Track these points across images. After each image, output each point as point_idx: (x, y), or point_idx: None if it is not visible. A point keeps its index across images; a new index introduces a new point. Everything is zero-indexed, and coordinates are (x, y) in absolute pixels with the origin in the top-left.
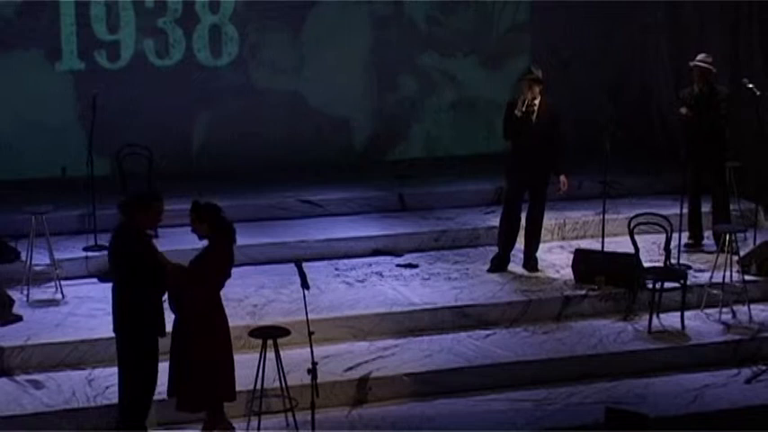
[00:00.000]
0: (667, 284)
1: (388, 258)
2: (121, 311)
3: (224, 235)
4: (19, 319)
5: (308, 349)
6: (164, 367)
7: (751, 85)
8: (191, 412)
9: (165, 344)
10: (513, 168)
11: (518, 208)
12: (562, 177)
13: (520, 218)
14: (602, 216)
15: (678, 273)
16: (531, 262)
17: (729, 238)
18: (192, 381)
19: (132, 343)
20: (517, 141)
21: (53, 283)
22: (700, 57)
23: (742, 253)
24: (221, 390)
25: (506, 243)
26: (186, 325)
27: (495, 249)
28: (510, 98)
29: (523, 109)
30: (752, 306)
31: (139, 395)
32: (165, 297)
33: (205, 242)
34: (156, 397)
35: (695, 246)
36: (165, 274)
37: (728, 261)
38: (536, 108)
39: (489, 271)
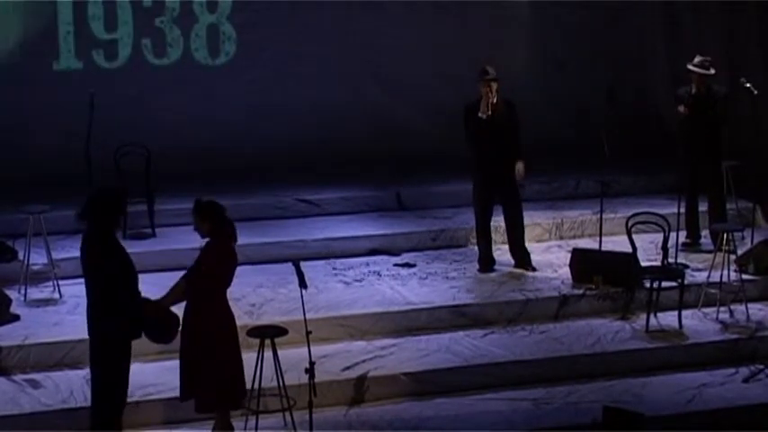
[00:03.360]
0: (665, 284)
1: (385, 258)
2: (95, 315)
3: (226, 233)
4: (16, 318)
5: (306, 348)
6: (163, 367)
7: (748, 84)
8: (209, 412)
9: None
10: (480, 169)
11: (489, 207)
12: (519, 164)
13: (491, 217)
14: (599, 215)
15: (675, 272)
16: (523, 260)
17: (727, 237)
18: (209, 381)
19: (107, 345)
20: (481, 142)
21: (51, 283)
22: (697, 60)
23: (739, 252)
24: (235, 390)
25: (486, 243)
26: (198, 328)
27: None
28: (466, 102)
29: (489, 112)
30: (749, 305)
31: (113, 397)
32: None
33: (203, 241)
34: (163, 396)
35: (693, 245)
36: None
37: (726, 260)
38: (493, 107)
39: (480, 271)
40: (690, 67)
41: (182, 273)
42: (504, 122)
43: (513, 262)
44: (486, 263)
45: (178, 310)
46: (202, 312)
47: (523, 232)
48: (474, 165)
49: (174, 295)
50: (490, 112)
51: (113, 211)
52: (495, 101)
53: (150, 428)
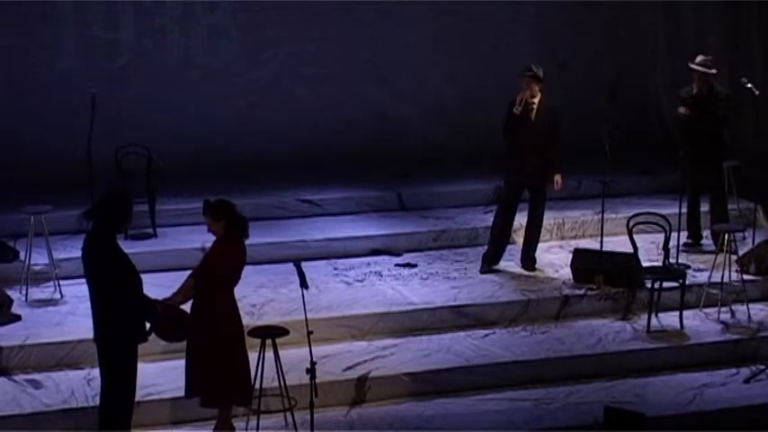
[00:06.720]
0: (666, 284)
1: (386, 258)
2: (101, 318)
3: (239, 230)
4: (18, 318)
5: (307, 349)
6: (165, 367)
7: (750, 85)
8: (214, 407)
9: (166, 346)
10: (511, 167)
11: (513, 207)
12: (557, 177)
13: (514, 217)
14: (600, 215)
15: (677, 272)
16: (529, 261)
17: (728, 237)
18: (217, 377)
19: (114, 348)
20: (515, 139)
21: (52, 283)
22: (699, 59)
23: (741, 252)
24: (244, 384)
25: (498, 241)
26: (205, 324)
27: None
28: (512, 98)
29: (520, 108)
30: (750, 305)
31: (122, 399)
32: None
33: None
34: (164, 396)
35: (694, 245)
36: (152, 305)
37: (727, 261)
38: (535, 107)
39: (482, 271)
40: (691, 65)
41: (183, 273)
42: (543, 126)
43: (512, 262)
44: (490, 261)
45: (185, 307)
46: (210, 309)
47: (538, 238)
48: (506, 162)
49: (183, 293)
50: (521, 108)
51: (121, 213)
52: (534, 100)
53: (151, 428)
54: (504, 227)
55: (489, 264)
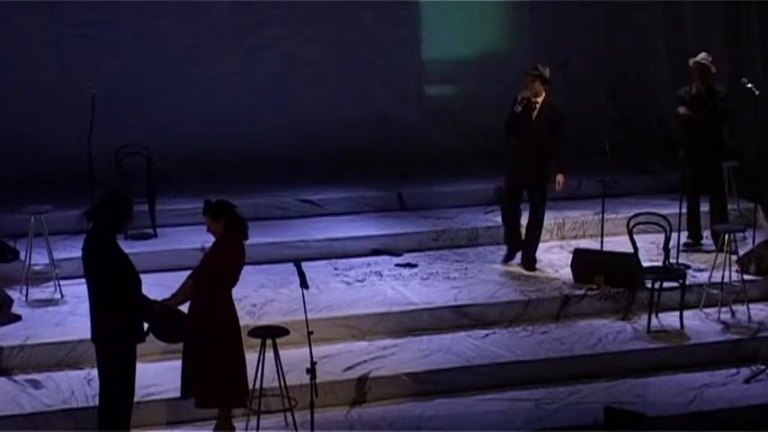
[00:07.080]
0: (666, 284)
1: (387, 258)
2: (100, 318)
3: (239, 231)
4: (18, 318)
5: (307, 349)
6: (164, 367)
7: (750, 85)
8: (210, 408)
9: (165, 347)
10: (511, 165)
11: (514, 205)
12: (559, 176)
13: (518, 213)
14: (601, 215)
15: (677, 272)
16: (529, 261)
17: (728, 237)
18: (212, 378)
19: (113, 348)
20: (515, 138)
21: (52, 283)
22: (700, 55)
23: (741, 252)
24: (239, 387)
25: (510, 238)
26: (203, 325)
27: (494, 249)
28: (515, 96)
29: (520, 107)
30: (751, 305)
31: (121, 400)
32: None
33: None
34: (164, 396)
35: (694, 245)
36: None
37: (727, 261)
38: (538, 106)
39: (503, 261)
40: (692, 60)
41: (183, 273)
42: (543, 126)
43: (513, 262)
44: (507, 257)
45: (182, 307)
46: (208, 310)
47: (539, 239)
48: (506, 162)
49: (182, 294)
50: (521, 107)
51: (121, 213)
52: (537, 99)
53: (151, 428)
54: (512, 225)
55: (507, 258)
